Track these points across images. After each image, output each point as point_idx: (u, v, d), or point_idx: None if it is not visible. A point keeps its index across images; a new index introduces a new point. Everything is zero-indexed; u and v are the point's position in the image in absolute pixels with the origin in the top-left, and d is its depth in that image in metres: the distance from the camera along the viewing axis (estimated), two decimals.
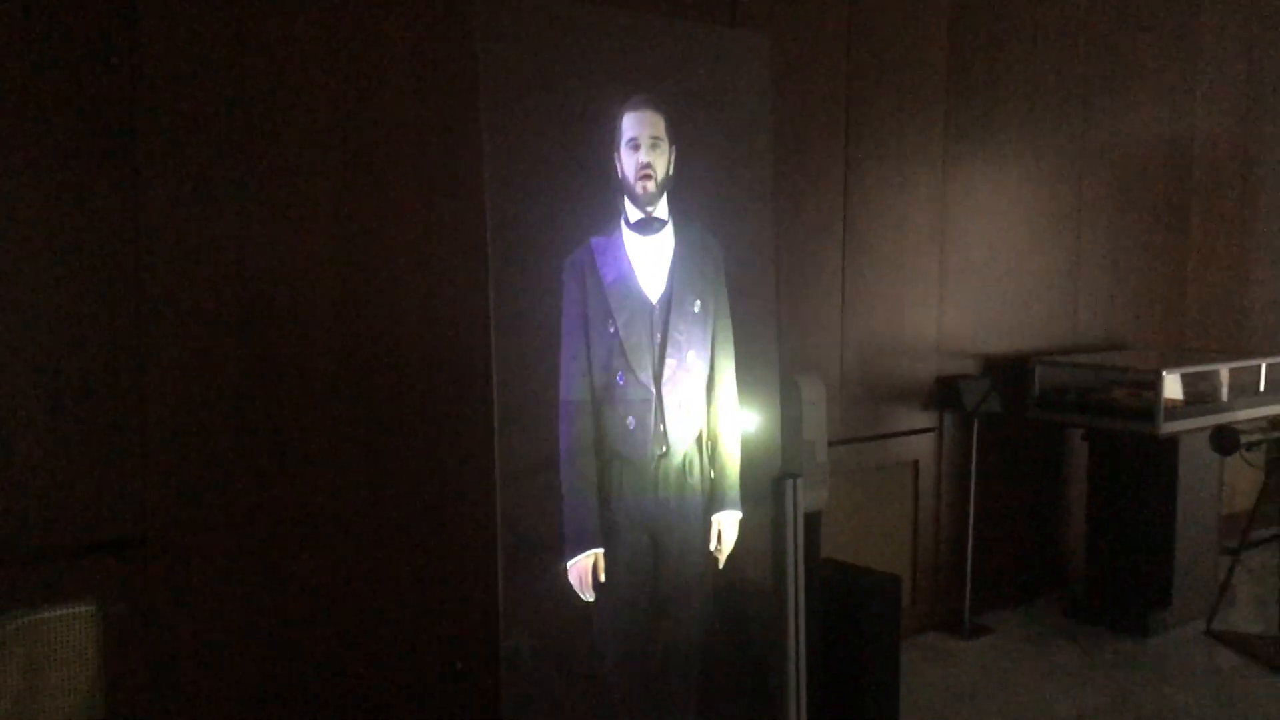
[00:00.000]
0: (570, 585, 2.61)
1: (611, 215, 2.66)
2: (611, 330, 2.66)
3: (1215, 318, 6.43)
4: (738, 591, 3.04)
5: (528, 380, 2.58)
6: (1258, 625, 5.06)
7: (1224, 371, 5.13)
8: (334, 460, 3.19)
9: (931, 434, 4.95)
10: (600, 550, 2.64)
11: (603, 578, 2.63)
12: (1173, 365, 4.88)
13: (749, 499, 2.91)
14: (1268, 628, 4.94)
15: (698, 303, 2.76)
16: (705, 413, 2.80)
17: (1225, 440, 4.57)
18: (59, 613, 2.87)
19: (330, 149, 3.13)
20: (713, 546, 2.84)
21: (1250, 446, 4.65)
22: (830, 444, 4.35)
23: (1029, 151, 5.23)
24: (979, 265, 5.06)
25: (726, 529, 2.86)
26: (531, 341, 2.60)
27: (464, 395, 3.37)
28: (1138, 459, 5.07)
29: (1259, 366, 5.41)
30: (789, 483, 2.78)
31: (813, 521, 3.66)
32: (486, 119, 2.49)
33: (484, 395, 3.21)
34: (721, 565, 2.85)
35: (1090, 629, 5.06)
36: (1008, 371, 5.16)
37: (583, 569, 2.61)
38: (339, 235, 3.16)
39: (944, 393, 4.89)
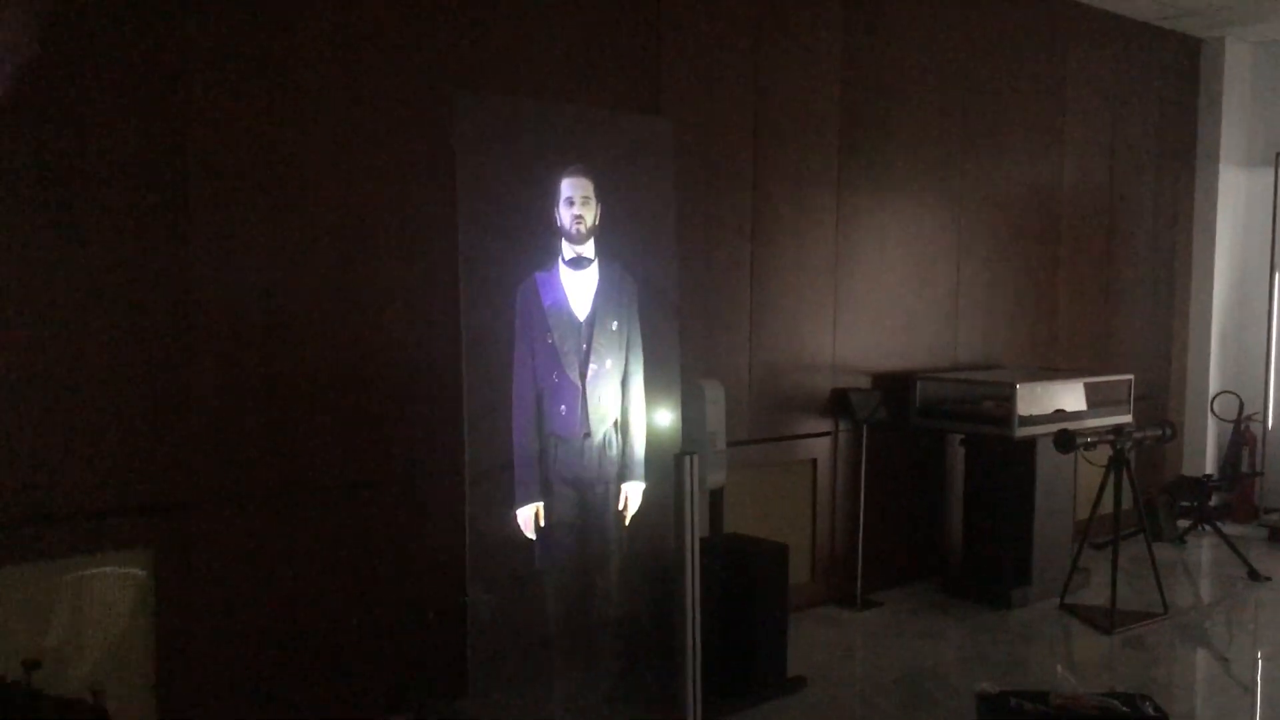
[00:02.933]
0: (519, 531, 3.52)
1: (551, 255, 3.57)
2: (549, 342, 3.58)
3: (1083, 342, 7.43)
4: (651, 556, 3.94)
5: (489, 382, 3.48)
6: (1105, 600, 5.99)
7: (1058, 385, 6.11)
8: (337, 443, 4.06)
9: (828, 438, 5.87)
10: (540, 503, 3.56)
11: (542, 523, 3.55)
12: (1024, 380, 5.84)
13: (663, 480, 3.82)
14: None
15: (615, 322, 3.68)
16: (619, 405, 3.71)
17: (1063, 441, 5.52)
18: (120, 558, 3.70)
19: (332, 198, 4.02)
20: (621, 507, 3.75)
21: (1086, 446, 5.61)
22: (741, 443, 5.29)
23: (913, 199, 6.20)
24: (868, 298, 5.99)
25: (632, 495, 3.80)
26: (491, 351, 3.50)
27: (435, 393, 4.23)
28: (1003, 459, 6.01)
29: (1126, 382, 6.46)
30: (687, 459, 3.66)
31: (715, 498, 4.56)
32: (462, 183, 3.38)
33: (452, 393, 4.09)
34: (627, 523, 3.76)
35: (963, 603, 5.98)
36: (894, 386, 6.09)
37: (527, 516, 3.56)
38: (339, 266, 4.04)
39: (838, 403, 5.82)
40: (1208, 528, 7.22)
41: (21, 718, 3.13)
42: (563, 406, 3.59)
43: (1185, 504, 7.40)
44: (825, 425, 5.86)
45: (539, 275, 3.55)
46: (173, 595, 3.75)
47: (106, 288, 3.58)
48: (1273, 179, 7.98)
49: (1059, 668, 4.53)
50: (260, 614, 3.93)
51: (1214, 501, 7.58)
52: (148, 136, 3.63)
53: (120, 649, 3.65)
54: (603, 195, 3.64)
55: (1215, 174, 8.04)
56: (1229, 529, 7.19)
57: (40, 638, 3.46)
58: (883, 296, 6.09)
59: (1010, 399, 5.71)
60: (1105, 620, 5.58)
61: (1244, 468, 8.00)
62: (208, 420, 3.79)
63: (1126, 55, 7.57)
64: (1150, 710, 3.87)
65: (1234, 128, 8.09)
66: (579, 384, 3.61)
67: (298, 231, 3.96)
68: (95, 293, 3.56)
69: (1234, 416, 8.00)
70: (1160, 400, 8.00)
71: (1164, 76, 7.89)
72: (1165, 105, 7.92)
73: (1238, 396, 7.98)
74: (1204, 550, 7.31)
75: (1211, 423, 8.15)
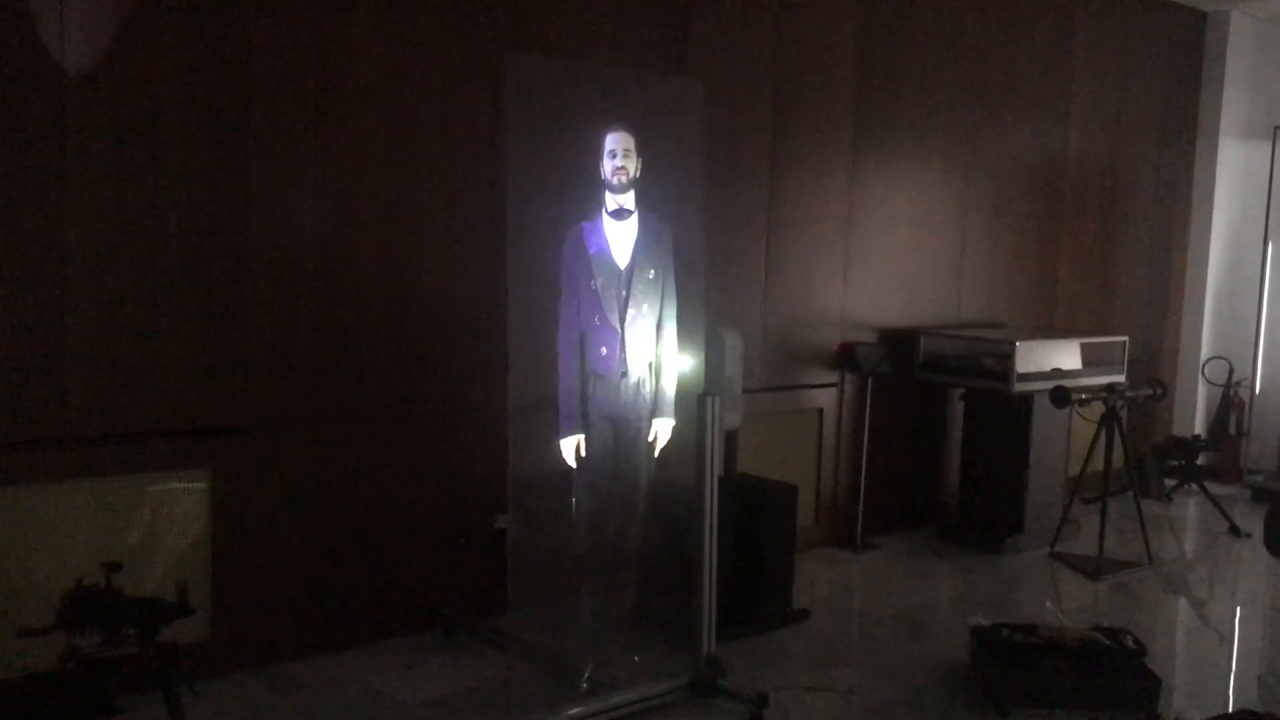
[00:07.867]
0: (560, 459, 3.85)
1: (596, 207, 3.86)
2: (593, 287, 3.87)
3: (1081, 305, 7.72)
4: (675, 489, 4.25)
5: (531, 323, 3.79)
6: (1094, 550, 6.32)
7: (1056, 345, 6.41)
8: (381, 377, 4.36)
9: (834, 388, 6.18)
10: (581, 435, 3.87)
11: (583, 453, 3.87)
12: (1024, 339, 6.14)
13: (687, 420, 4.13)
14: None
15: (652, 271, 3.97)
16: (654, 348, 4.01)
17: (1058, 397, 5.83)
18: (182, 475, 4.02)
19: (383, 149, 4.29)
20: (651, 439, 4.07)
21: (1080, 403, 5.92)
22: (753, 391, 5.58)
23: (922, 163, 6.46)
24: (876, 256, 6.27)
25: (662, 429, 4.12)
26: (534, 294, 3.80)
27: (473, 334, 4.53)
28: (1001, 414, 6.31)
29: (1120, 344, 6.76)
30: (709, 399, 3.96)
31: (731, 438, 4.86)
32: (510, 138, 3.65)
33: (488, 334, 4.38)
34: (656, 454, 4.08)
35: (958, 549, 6.31)
36: (899, 341, 6.39)
37: (570, 445, 3.90)
38: (386, 215, 4.33)
39: (844, 356, 6.11)
40: (1194, 486, 7.55)
41: (105, 616, 3.44)
42: (603, 348, 3.90)
43: (1174, 463, 7.72)
44: (832, 377, 6.16)
45: (585, 225, 3.86)
46: (226, 510, 4.07)
47: (177, 228, 3.86)
48: (1270, 153, 8.23)
49: (1047, 603, 4.87)
50: (306, 529, 4.26)
51: (1201, 461, 7.91)
52: (215, 86, 3.89)
53: (184, 554, 3.97)
54: (642, 150, 3.91)
55: (1215, 146, 8.29)
56: (1215, 488, 7.52)
57: (117, 544, 3.78)
58: (890, 256, 6.36)
59: (1010, 356, 6.00)
60: (1091, 567, 5.92)
61: (1231, 431, 8.33)
62: (263, 354, 4.09)
63: (1133, 28, 7.79)
64: (1131, 643, 4.19)
65: (1235, 102, 8.33)
66: (618, 328, 3.92)
67: (350, 180, 4.23)
68: (166, 232, 3.84)
69: (1224, 381, 8.31)
70: (1154, 363, 8.31)
71: (1169, 49, 8.11)
72: (1169, 78, 8.16)
73: (1228, 362, 8.29)
74: (1190, 507, 7.65)
75: (1202, 387, 8.46)
